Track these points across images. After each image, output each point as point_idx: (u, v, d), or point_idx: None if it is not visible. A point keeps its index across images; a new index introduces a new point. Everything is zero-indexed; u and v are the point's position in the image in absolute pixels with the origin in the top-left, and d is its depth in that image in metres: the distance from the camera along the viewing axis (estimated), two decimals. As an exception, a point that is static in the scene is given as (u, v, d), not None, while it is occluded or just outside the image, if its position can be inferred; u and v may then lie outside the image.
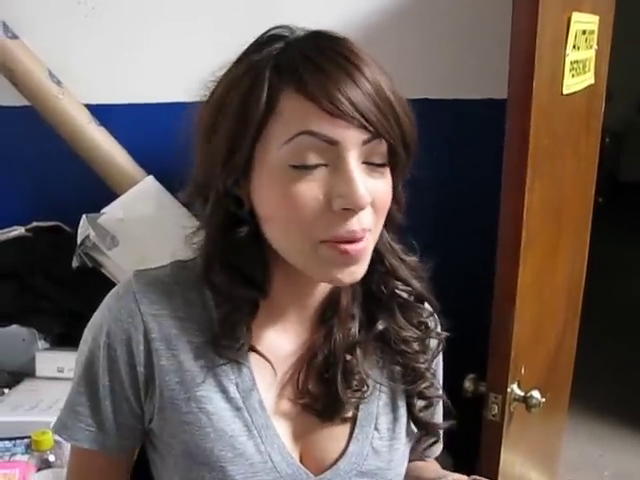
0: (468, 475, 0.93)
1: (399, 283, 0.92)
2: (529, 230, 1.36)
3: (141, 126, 2.05)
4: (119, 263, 1.85)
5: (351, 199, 0.75)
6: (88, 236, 1.83)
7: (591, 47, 1.71)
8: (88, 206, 1.92)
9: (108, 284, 1.87)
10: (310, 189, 0.75)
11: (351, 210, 0.76)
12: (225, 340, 0.84)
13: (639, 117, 7.55)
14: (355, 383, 0.89)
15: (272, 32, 0.82)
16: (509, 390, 1.49)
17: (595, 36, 1.73)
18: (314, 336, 0.91)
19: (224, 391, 0.86)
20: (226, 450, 0.85)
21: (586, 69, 1.68)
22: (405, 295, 0.93)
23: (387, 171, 0.81)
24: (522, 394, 1.52)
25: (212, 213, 0.83)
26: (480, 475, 0.94)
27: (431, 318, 0.98)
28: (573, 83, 1.56)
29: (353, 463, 0.90)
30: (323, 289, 0.90)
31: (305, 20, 0.85)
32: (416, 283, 0.94)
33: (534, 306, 1.62)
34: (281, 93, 0.76)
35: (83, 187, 2.02)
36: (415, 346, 0.94)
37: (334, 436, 0.91)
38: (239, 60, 0.81)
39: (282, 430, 0.89)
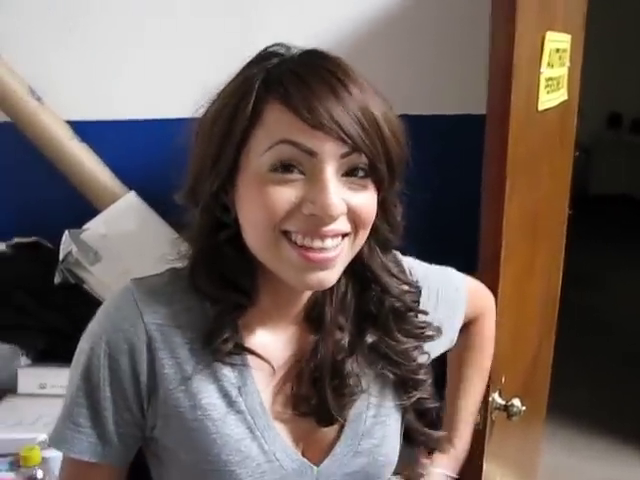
0: None
1: (394, 300, 0.94)
2: (508, 243, 1.39)
3: (123, 142, 2.06)
4: (102, 279, 1.85)
5: (321, 206, 0.77)
6: (70, 252, 1.83)
7: (564, 65, 1.76)
8: (70, 222, 1.92)
9: (90, 300, 1.88)
10: (284, 192, 0.78)
11: (320, 218, 0.78)
12: (219, 340, 0.85)
13: (608, 132, 7.70)
14: (346, 390, 0.91)
15: (269, 49, 0.85)
16: (490, 399, 1.52)
17: (568, 54, 1.78)
18: (304, 346, 0.93)
19: (226, 395, 0.87)
20: (233, 454, 0.86)
21: (560, 86, 1.73)
22: (400, 309, 0.95)
23: (370, 184, 0.82)
24: (503, 403, 1.55)
25: (200, 218, 0.87)
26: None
27: (426, 325, 0.99)
28: (548, 99, 1.61)
29: (349, 445, 0.93)
30: (305, 298, 0.92)
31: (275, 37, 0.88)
32: (408, 299, 0.96)
33: (513, 317, 1.65)
34: (266, 104, 0.79)
35: (65, 203, 2.02)
36: (410, 355, 0.96)
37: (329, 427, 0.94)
38: (236, 75, 0.85)
39: (282, 430, 0.91)
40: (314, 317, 0.94)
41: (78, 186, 1.99)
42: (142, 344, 0.85)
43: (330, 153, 0.77)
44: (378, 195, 0.85)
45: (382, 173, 0.82)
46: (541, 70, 1.52)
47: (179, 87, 2.08)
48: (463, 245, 1.42)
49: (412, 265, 1.04)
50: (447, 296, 1.09)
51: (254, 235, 0.83)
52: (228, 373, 0.88)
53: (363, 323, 0.94)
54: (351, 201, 0.80)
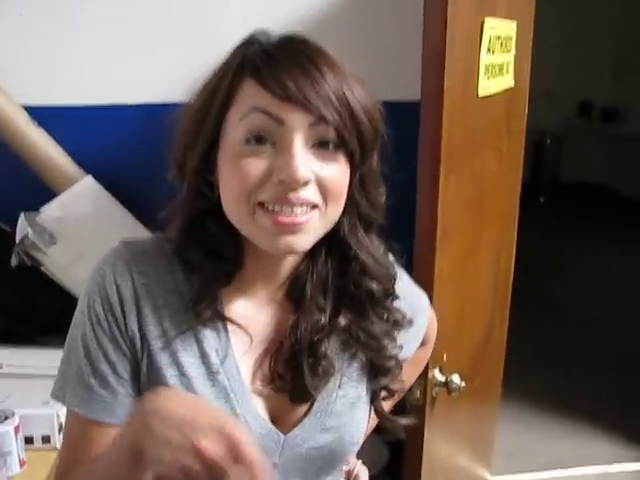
0: None
1: (372, 282, 0.97)
2: (445, 222, 1.44)
3: (79, 127, 2.09)
4: (58, 261, 1.88)
5: (287, 172, 0.81)
6: (27, 234, 1.86)
7: (508, 51, 1.80)
8: (27, 205, 1.95)
9: (47, 282, 1.91)
10: (256, 163, 0.83)
11: (287, 183, 0.81)
12: (202, 306, 0.90)
13: (579, 120, 7.76)
14: (321, 370, 0.95)
15: (250, 36, 0.90)
16: (430, 375, 1.57)
17: (513, 41, 1.82)
18: (284, 325, 0.97)
19: (204, 355, 0.92)
20: None
21: (503, 71, 1.76)
22: (376, 292, 0.98)
23: (340, 158, 0.86)
24: (443, 379, 1.60)
25: (186, 191, 0.91)
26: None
27: (399, 313, 1.02)
28: (489, 85, 1.64)
29: (318, 419, 0.97)
30: (288, 268, 0.96)
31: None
32: (386, 281, 0.99)
33: (455, 296, 1.70)
34: (241, 82, 0.85)
35: (22, 187, 2.05)
36: (383, 341, 0.99)
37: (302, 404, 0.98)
38: (222, 60, 0.90)
39: (255, 398, 0.95)
40: (295, 295, 0.97)
41: (35, 170, 2.02)
42: (131, 300, 0.90)
43: (297, 123, 0.82)
44: (352, 171, 0.88)
45: (351, 146, 0.85)
46: (480, 56, 1.56)
47: (137, 73, 2.11)
48: (403, 223, 1.46)
49: (402, 276, 1.08)
50: (419, 321, 1.12)
51: (232, 207, 0.87)
52: (209, 334, 0.92)
53: (340, 304, 0.97)
54: (320, 172, 0.84)
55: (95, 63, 2.07)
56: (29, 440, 1.48)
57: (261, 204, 0.84)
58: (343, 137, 0.84)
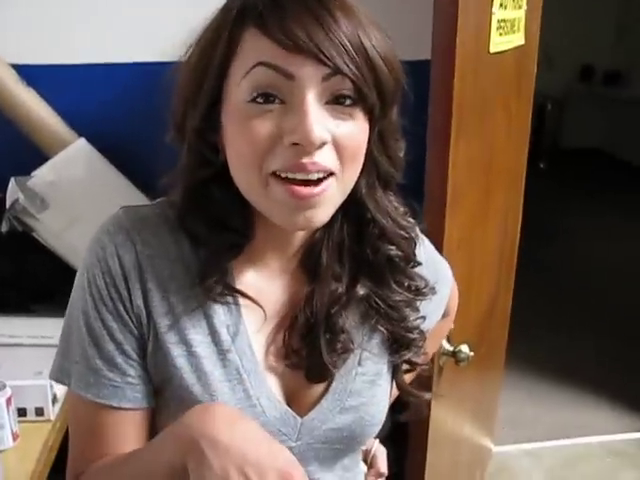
0: None
1: (392, 247, 0.89)
2: (455, 186, 1.38)
3: (72, 88, 2.00)
4: (50, 226, 1.82)
5: (301, 133, 0.72)
6: (17, 199, 1.79)
7: (520, 7, 1.73)
8: (17, 170, 1.88)
9: (39, 248, 1.85)
10: (264, 124, 0.74)
11: (301, 146, 0.73)
12: (211, 280, 0.82)
13: (580, 84, 7.65)
14: (339, 346, 0.88)
15: None
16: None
17: (524, -4, 1.75)
18: (299, 296, 0.90)
19: (214, 332, 0.85)
20: (217, 394, 0.83)
21: (515, 29, 1.69)
22: (396, 258, 0.90)
23: (358, 114, 0.77)
24: (451, 349, 1.55)
25: (187, 155, 0.83)
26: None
27: (421, 280, 0.95)
28: (501, 42, 1.58)
29: (336, 400, 0.90)
30: (301, 237, 0.88)
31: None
32: (406, 245, 0.91)
33: (464, 263, 1.65)
34: (243, 32, 0.75)
35: (12, 150, 1.97)
36: (404, 311, 0.92)
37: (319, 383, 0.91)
38: (219, 8, 0.81)
39: (269, 377, 0.88)
40: (310, 265, 0.90)
41: (26, 132, 1.94)
42: (135, 273, 0.82)
43: (309, 76, 0.73)
44: (371, 127, 0.80)
45: (371, 100, 0.76)
46: (493, 11, 1.49)
47: (130, 31, 2.03)
48: (410, 187, 1.41)
49: (423, 241, 1.00)
50: (442, 291, 1.05)
51: (242, 175, 0.79)
52: (219, 310, 0.85)
53: (358, 272, 0.90)
54: (336, 131, 0.75)
55: (87, 20, 1.98)
56: (22, 412, 1.43)
57: (274, 173, 0.76)
58: (361, 90, 0.75)
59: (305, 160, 0.74)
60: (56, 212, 1.82)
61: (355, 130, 0.77)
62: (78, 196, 1.86)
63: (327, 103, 0.75)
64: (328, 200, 0.78)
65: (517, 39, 1.75)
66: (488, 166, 1.73)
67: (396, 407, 1.05)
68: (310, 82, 0.73)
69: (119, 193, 1.92)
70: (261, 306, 0.86)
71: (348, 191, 0.82)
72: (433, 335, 1.12)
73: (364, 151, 0.80)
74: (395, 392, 1.03)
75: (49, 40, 2.00)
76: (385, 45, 0.77)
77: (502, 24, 1.57)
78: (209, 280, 0.83)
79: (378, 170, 0.85)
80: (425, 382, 1.53)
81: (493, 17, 1.49)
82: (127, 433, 0.86)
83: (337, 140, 0.76)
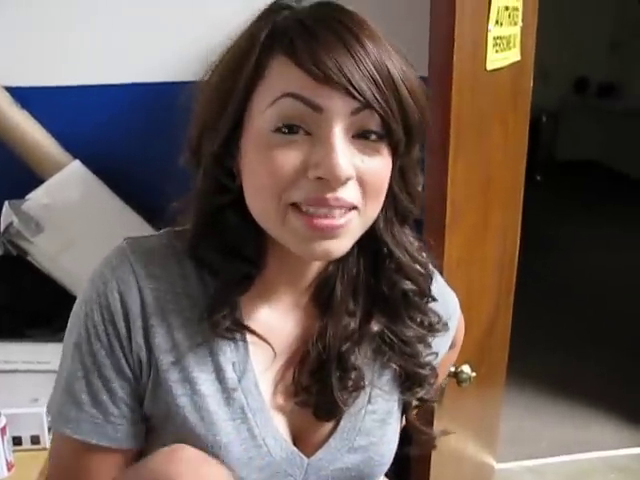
0: None
1: (408, 282, 0.87)
2: (454, 205, 1.37)
3: (66, 109, 1.99)
4: (45, 250, 1.80)
5: (327, 168, 0.70)
6: (11, 223, 1.77)
7: (516, 24, 1.72)
8: (11, 193, 1.86)
9: (34, 272, 1.83)
10: (288, 155, 0.72)
11: (326, 180, 0.71)
12: (219, 315, 0.80)
13: (575, 97, 7.68)
14: (350, 383, 0.85)
15: (278, 2, 0.78)
16: (440, 366, 1.50)
17: (520, 13, 1.74)
18: (310, 332, 0.87)
19: (220, 370, 0.82)
20: (221, 435, 0.81)
21: (511, 45, 1.69)
22: (411, 293, 0.88)
23: (384, 149, 0.75)
24: (452, 369, 1.53)
25: (202, 182, 0.80)
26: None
27: (435, 315, 0.93)
28: (497, 59, 1.57)
29: (345, 439, 0.88)
30: (315, 270, 0.86)
31: None
32: (422, 281, 0.89)
33: (463, 282, 1.63)
34: (271, 58, 0.73)
35: (6, 173, 1.95)
36: (417, 347, 0.90)
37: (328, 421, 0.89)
38: (242, 31, 0.78)
39: (277, 418, 0.86)
40: (323, 299, 0.88)
41: (20, 155, 1.93)
42: (137, 308, 0.80)
43: (338, 109, 0.71)
44: (394, 161, 0.78)
45: (398, 135, 0.74)
46: (489, 28, 1.48)
47: (124, 52, 2.02)
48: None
49: (436, 276, 0.98)
50: (452, 324, 1.02)
51: (259, 203, 0.77)
52: (225, 347, 0.83)
53: (373, 307, 0.88)
54: (361, 166, 0.73)
55: (81, 42, 1.97)
56: (17, 441, 1.41)
57: (294, 204, 0.73)
58: (389, 126, 0.73)
59: (329, 195, 0.72)
60: (51, 235, 1.80)
61: (380, 166, 0.76)
62: (73, 219, 1.84)
63: (353, 137, 0.73)
64: (349, 233, 0.77)
65: (513, 55, 1.74)
66: (486, 183, 1.71)
67: (402, 439, 1.03)
68: (338, 115, 0.71)
69: (115, 215, 1.90)
70: (270, 344, 0.84)
71: (369, 224, 0.80)
72: (440, 366, 1.10)
73: (387, 186, 0.78)
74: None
75: (42, 62, 1.98)
76: (412, 76, 0.76)
77: (498, 41, 1.56)
78: (217, 315, 0.80)
79: (397, 205, 0.84)
80: (427, 408, 1.52)
81: (489, 34, 1.48)
82: (104, 474, 0.83)
83: (362, 176, 0.74)
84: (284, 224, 0.75)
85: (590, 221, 5.91)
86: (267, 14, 0.77)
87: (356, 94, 0.69)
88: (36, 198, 1.84)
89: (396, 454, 1.05)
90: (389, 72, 0.72)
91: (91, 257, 0.88)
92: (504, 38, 1.60)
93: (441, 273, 1.35)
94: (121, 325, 0.80)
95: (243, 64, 0.74)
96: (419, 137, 0.79)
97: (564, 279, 4.72)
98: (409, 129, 0.75)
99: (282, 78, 0.72)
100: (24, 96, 1.93)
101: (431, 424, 1.54)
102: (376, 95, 0.70)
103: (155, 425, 0.84)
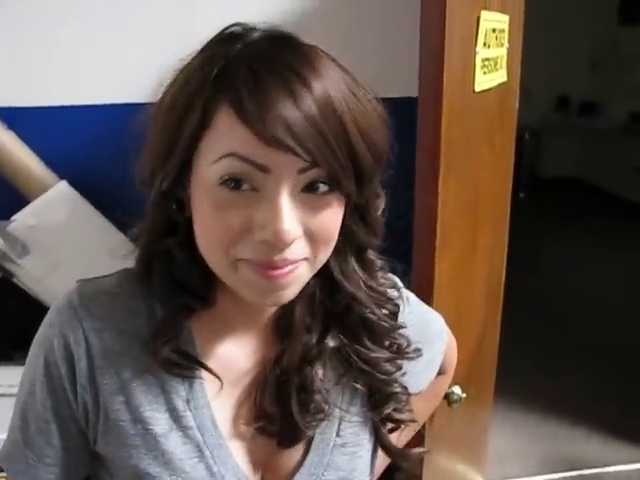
0: None
1: (366, 309, 0.85)
2: (444, 227, 1.37)
3: (52, 130, 1.98)
4: (31, 272, 1.78)
5: (273, 233, 0.68)
6: (-3, 245, 1.76)
7: (502, 45, 1.74)
8: (-3, 214, 1.85)
9: (20, 294, 1.81)
10: (234, 214, 0.69)
11: (273, 244, 0.69)
12: (160, 345, 0.78)
13: (557, 114, 7.76)
14: (313, 406, 0.83)
15: (229, 30, 0.75)
16: (430, 387, 1.49)
17: (506, 34, 1.76)
18: (269, 355, 0.85)
19: (173, 409, 0.80)
20: (177, 474, 0.79)
21: (497, 66, 1.70)
22: (372, 320, 0.86)
23: (334, 201, 0.72)
24: (443, 390, 1.52)
25: (151, 214, 0.79)
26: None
27: (404, 339, 0.90)
28: (485, 80, 1.58)
29: (312, 474, 0.85)
30: (270, 308, 0.85)
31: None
32: (386, 309, 0.87)
33: (452, 303, 1.63)
34: (218, 107, 0.69)
35: (-9, 194, 1.94)
36: (386, 367, 0.87)
37: (292, 448, 0.86)
38: (193, 58, 0.75)
39: (237, 450, 0.84)
40: (283, 323, 0.86)
41: (5, 175, 1.91)
42: (81, 350, 0.79)
43: (285, 169, 0.68)
44: (348, 203, 0.76)
45: (348, 188, 0.71)
46: (477, 50, 1.49)
47: (110, 72, 2.01)
48: (399, 229, 1.39)
49: (410, 300, 0.96)
50: (433, 350, 1.01)
51: (208, 253, 0.75)
52: (176, 384, 0.80)
53: (330, 324, 0.86)
54: (309, 221, 0.71)
55: (66, 62, 1.96)
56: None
57: (242, 259, 0.72)
58: (339, 180, 0.70)
59: (276, 258, 0.70)
60: (37, 257, 1.79)
61: (330, 219, 0.73)
62: (60, 240, 1.82)
63: (302, 191, 0.71)
64: (297, 280, 0.75)
65: (500, 76, 1.76)
66: (475, 203, 1.72)
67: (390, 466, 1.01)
68: (285, 175, 0.69)
69: (101, 236, 1.88)
70: (220, 379, 0.82)
71: (318, 268, 0.78)
72: (430, 394, 1.08)
73: (338, 232, 0.76)
74: (384, 462, 0.98)
75: (28, 82, 1.97)
76: (365, 103, 0.72)
77: (486, 62, 1.57)
78: (158, 342, 0.78)
79: (351, 240, 0.82)
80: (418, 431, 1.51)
81: (477, 56, 1.49)
82: None
83: (310, 231, 0.72)
84: (235, 274, 0.73)
85: (573, 238, 5.95)
86: (216, 44, 0.74)
87: (303, 155, 0.67)
88: (22, 219, 1.83)
89: (385, 476, 1.04)
90: (336, 115, 0.68)
91: (78, 278, 0.87)
92: (491, 60, 1.62)
93: (431, 294, 1.36)
94: (65, 367, 0.79)
95: (190, 108, 0.71)
96: (373, 178, 0.76)
97: (548, 295, 4.75)
98: (361, 176, 0.72)
99: (227, 135, 0.69)
100: (10, 116, 1.92)
101: (421, 442, 1.54)
102: (324, 153, 0.67)
103: (108, 465, 0.83)
